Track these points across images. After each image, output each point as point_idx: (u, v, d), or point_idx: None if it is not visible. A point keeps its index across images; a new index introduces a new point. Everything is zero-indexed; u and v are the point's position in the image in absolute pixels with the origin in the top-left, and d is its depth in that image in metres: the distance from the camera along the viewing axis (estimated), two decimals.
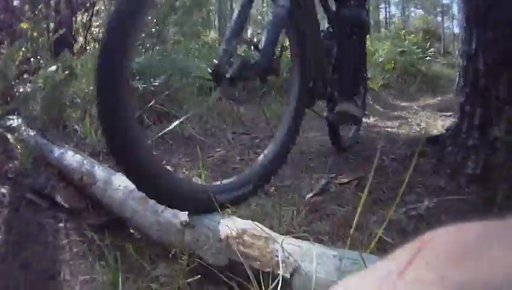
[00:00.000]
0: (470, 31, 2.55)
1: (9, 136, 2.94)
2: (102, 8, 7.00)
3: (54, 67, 3.67)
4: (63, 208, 2.27)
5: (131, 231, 2.02)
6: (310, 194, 2.36)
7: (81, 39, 6.44)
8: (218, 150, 3.43)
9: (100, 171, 2.24)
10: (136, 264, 1.69)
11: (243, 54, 1.94)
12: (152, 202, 1.76)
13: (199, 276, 1.51)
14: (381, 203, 2.18)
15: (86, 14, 6.66)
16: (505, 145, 2.25)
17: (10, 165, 2.66)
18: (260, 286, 1.31)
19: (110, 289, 1.56)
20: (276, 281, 1.29)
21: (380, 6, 38.52)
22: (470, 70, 2.51)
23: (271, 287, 1.29)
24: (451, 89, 7.68)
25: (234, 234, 1.46)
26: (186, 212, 1.65)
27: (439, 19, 34.37)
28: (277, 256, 1.32)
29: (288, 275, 1.29)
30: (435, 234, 0.34)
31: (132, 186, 1.88)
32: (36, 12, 5.32)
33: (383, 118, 5.38)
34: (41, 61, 4.31)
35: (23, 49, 4.50)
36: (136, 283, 1.60)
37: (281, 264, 1.31)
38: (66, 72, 3.65)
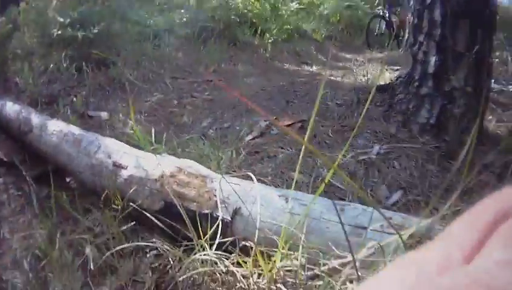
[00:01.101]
0: None
1: None
2: None
3: None
4: (2, 162, 2.17)
5: (67, 180, 1.94)
6: (250, 136, 2.27)
7: None
8: (155, 94, 3.33)
9: (36, 118, 2.15)
10: (72, 214, 1.61)
11: None
12: (85, 143, 1.70)
13: (133, 223, 1.42)
14: (327, 146, 2.11)
15: None
16: (464, 95, 2.23)
17: None
18: (197, 230, 1.20)
19: (47, 244, 1.47)
20: (215, 224, 1.19)
21: None
22: (425, 21, 2.47)
23: (210, 231, 1.19)
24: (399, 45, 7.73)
25: (169, 173, 1.35)
26: (119, 152, 1.57)
27: None
28: (216, 196, 1.23)
29: (228, 217, 1.20)
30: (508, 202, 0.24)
31: (66, 129, 1.81)
32: None
33: (326, 67, 5.31)
34: None
35: None
36: (72, 234, 1.51)
37: (219, 205, 1.21)
38: (10, 26, 3.57)
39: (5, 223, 1.72)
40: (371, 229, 1.03)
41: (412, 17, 2.78)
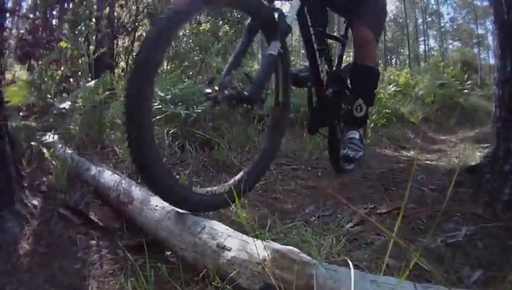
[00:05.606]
0: (504, 57, 2.51)
1: (44, 150, 2.98)
2: (144, 34, 7.17)
3: (92, 83, 3.73)
4: (96, 226, 2.28)
5: (166, 253, 2.03)
6: (350, 224, 2.35)
7: (122, 63, 6.58)
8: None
9: (137, 191, 2.26)
10: (169, 286, 1.70)
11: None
12: (190, 223, 1.81)
13: None
14: (421, 232, 2.17)
15: (128, 38, 6.80)
16: None
17: (44, 179, 2.69)
18: None
19: None
20: None
21: (419, 40, 38.59)
22: (506, 96, 2.47)
23: None
24: (488, 121, 7.64)
25: (271, 257, 1.45)
26: (224, 235, 1.67)
27: (475, 50, 33.94)
28: (313, 281, 1.32)
29: None
30: None
31: (169, 207, 1.91)
32: (76, 32, 5.40)
33: (423, 151, 5.38)
34: (81, 82, 4.38)
35: (62, 68, 4.59)
36: None
37: (316, 289, 1.30)
38: (107, 93, 3.72)
39: (95, 281, 1.80)
40: None
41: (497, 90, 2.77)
